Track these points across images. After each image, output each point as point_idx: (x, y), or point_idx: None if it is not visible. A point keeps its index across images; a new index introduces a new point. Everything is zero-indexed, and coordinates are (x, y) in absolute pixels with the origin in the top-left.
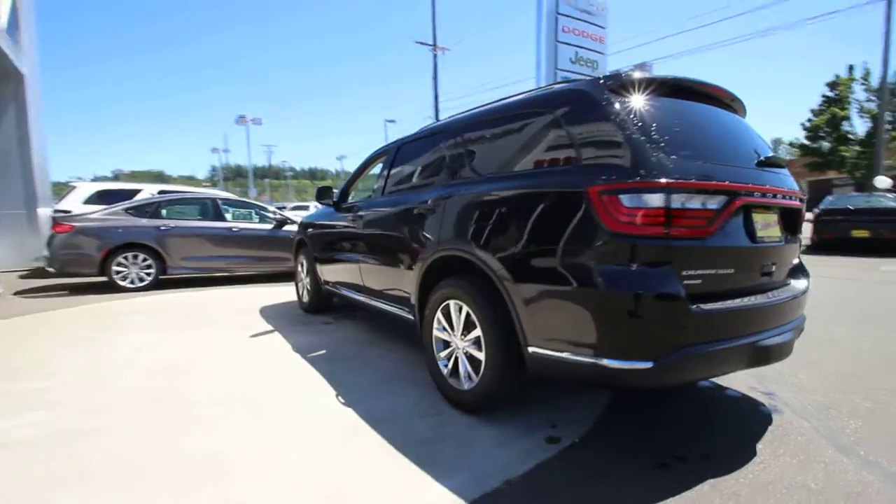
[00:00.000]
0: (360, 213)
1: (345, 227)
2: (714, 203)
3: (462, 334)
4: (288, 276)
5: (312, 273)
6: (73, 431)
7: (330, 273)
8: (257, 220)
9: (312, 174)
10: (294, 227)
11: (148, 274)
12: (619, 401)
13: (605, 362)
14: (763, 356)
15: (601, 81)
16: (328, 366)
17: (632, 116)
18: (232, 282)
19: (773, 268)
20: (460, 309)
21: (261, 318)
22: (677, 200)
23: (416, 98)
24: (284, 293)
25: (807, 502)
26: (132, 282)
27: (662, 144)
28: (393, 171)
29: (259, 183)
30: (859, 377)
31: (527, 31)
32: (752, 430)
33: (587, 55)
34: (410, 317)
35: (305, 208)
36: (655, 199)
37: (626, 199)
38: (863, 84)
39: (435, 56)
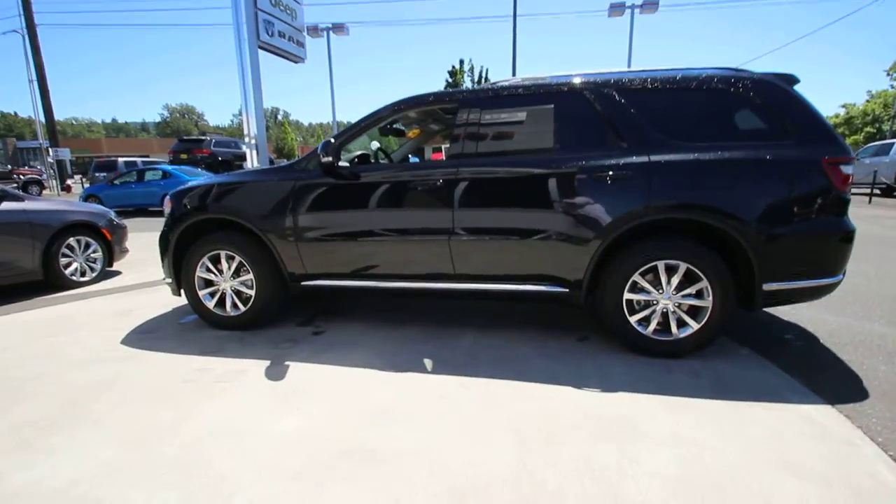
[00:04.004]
0: (442, 177)
1: (388, 195)
2: None
3: (675, 291)
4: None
5: (267, 267)
6: None
7: (330, 261)
8: None
9: None
10: (20, 205)
11: None
12: None
13: (829, 280)
14: None
15: (781, 77)
16: (503, 370)
17: (811, 105)
18: None
19: None
20: (674, 268)
21: (201, 356)
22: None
23: None
24: (91, 314)
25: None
26: None
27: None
28: (490, 129)
29: None
30: None
31: None
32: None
33: (286, 1)
34: (561, 290)
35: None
36: (851, 168)
37: (844, 168)
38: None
39: None
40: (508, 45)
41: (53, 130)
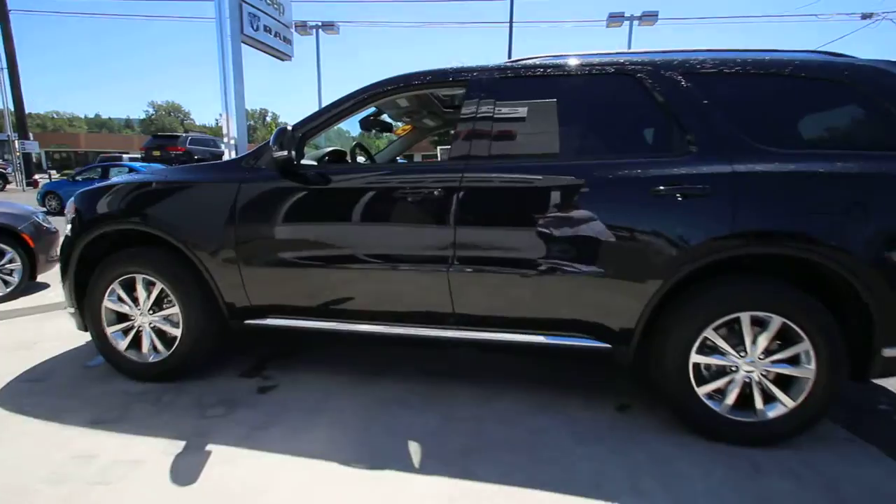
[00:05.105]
0: (441, 185)
1: (365, 206)
2: None
3: (762, 354)
4: None
5: (198, 298)
6: None
7: (283, 292)
8: None
9: None
10: None
11: None
12: None
13: None
14: None
15: None
16: (516, 467)
17: None
18: None
19: None
20: (763, 322)
21: (89, 429)
22: None
23: None
24: None
25: None
26: None
27: None
28: (509, 124)
29: None
30: None
31: None
32: None
33: None
34: (601, 344)
35: None
36: None
37: None
38: None
39: None
40: (505, 47)
41: (23, 122)
